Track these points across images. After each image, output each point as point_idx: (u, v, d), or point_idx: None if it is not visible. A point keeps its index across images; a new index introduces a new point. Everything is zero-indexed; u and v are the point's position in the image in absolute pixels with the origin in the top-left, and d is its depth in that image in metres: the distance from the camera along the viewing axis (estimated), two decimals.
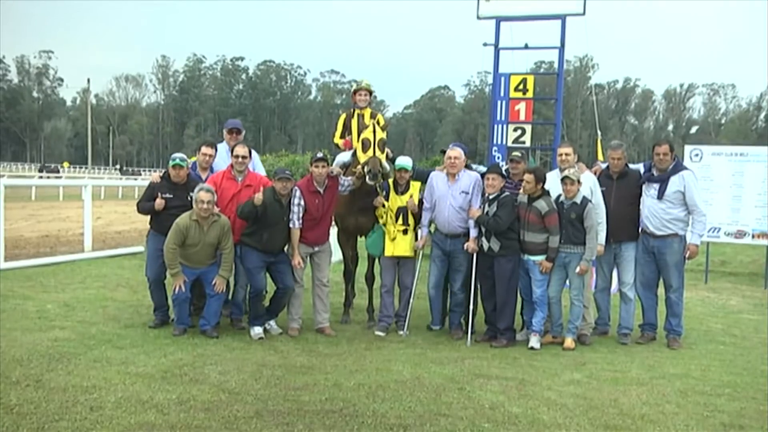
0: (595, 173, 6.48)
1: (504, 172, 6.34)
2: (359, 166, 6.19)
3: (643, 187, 6.41)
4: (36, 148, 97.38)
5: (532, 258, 6.03)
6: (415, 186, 6.43)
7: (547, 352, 5.91)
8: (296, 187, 6.09)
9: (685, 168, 6.37)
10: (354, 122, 6.79)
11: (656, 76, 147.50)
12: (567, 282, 6.19)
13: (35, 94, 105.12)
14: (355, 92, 7.00)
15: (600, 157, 10.36)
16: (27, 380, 4.43)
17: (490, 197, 6.07)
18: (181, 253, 5.88)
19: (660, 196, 6.24)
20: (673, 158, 6.30)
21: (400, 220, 6.35)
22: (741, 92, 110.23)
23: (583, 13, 9.56)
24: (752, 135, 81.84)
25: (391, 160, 6.47)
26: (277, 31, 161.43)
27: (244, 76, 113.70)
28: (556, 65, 10.21)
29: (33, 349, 5.14)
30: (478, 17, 10.03)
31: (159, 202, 6.10)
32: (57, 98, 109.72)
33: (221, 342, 5.75)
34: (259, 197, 5.83)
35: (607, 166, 6.52)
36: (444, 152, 7.03)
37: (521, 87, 9.90)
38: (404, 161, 6.38)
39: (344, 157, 6.63)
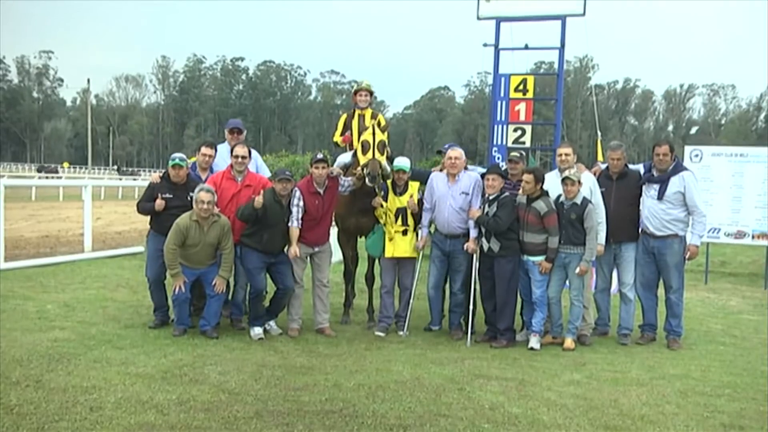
0: (594, 174, 6.48)
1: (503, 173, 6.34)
2: (359, 168, 6.19)
3: (643, 187, 6.41)
4: (36, 149, 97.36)
5: (532, 258, 6.03)
6: (413, 186, 6.43)
7: (547, 353, 5.92)
8: (296, 188, 6.09)
9: (685, 169, 6.37)
10: (355, 123, 6.79)
11: (656, 77, 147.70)
12: (567, 282, 6.19)
13: (35, 95, 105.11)
14: (355, 93, 7.00)
15: (600, 157, 10.37)
16: (27, 380, 4.43)
17: (490, 198, 6.07)
18: (181, 254, 5.88)
19: (660, 196, 6.24)
20: (673, 159, 6.30)
21: (400, 221, 6.35)
22: (741, 93, 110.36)
23: (583, 14, 9.55)
24: (752, 135, 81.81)
25: (390, 161, 6.47)
26: (277, 31, 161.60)
27: (244, 77, 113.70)
28: (556, 66, 10.20)
29: (33, 350, 5.15)
30: (478, 18, 10.03)
31: (159, 203, 6.10)
32: (57, 98, 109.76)
33: (221, 342, 5.75)
34: (259, 200, 5.83)
35: (607, 167, 6.52)
36: (440, 152, 7.04)
37: (521, 87, 9.89)
38: (402, 162, 6.38)
39: (345, 158, 6.64)
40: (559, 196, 6.09)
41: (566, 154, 6.29)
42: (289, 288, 6.14)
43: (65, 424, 3.76)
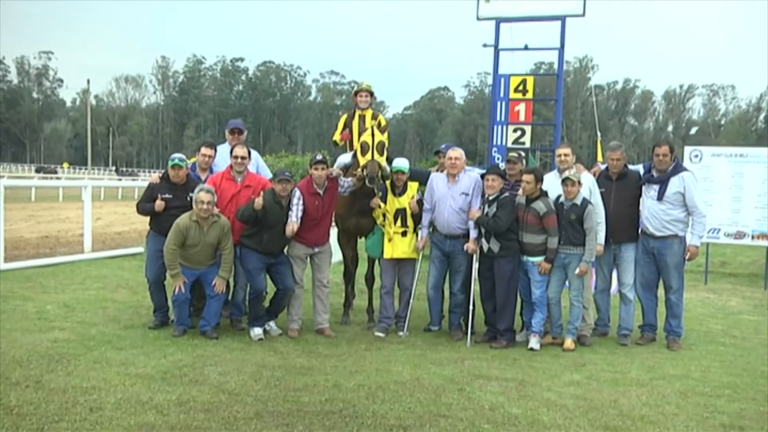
0: (594, 174, 6.48)
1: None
2: (359, 169, 6.20)
3: (643, 188, 6.42)
4: (36, 149, 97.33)
5: (531, 259, 6.03)
6: (412, 187, 6.43)
7: (547, 353, 5.91)
8: (296, 188, 6.09)
9: (685, 169, 6.37)
10: (355, 123, 6.80)
11: (656, 77, 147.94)
12: (566, 283, 6.19)
13: (35, 95, 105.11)
14: (356, 93, 7.00)
15: (600, 158, 10.37)
16: (27, 381, 4.43)
17: (490, 198, 6.07)
18: (181, 254, 5.88)
19: (660, 197, 6.24)
20: (673, 159, 6.30)
21: (399, 222, 6.35)
22: (741, 93, 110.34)
23: (583, 14, 9.56)
24: (752, 136, 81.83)
25: (389, 161, 6.47)
26: (277, 31, 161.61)
27: (243, 77, 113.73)
28: (555, 66, 10.21)
29: (33, 350, 5.14)
30: (478, 18, 10.04)
31: (159, 204, 6.10)
32: (57, 99, 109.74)
33: (221, 343, 5.75)
34: (259, 202, 5.82)
35: (607, 167, 6.53)
36: (438, 153, 7.04)
37: (521, 88, 9.90)
38: (401, 163, 6.37)
39: (345, 158, 6.64)
40: (558, 197, 6.09)
41: (565, 155, 6.29)
42: (289, 288, 6.14)
43: (65, 425, 3.76)
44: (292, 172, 6.97)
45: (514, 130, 9.92)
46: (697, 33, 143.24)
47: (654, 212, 6.29)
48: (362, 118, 6.80)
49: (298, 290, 6.26)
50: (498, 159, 9.70)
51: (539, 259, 5.99)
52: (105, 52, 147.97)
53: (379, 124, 6.51)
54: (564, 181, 5.99)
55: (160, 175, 6.40)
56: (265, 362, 5.21)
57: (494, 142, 10.04)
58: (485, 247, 6.09)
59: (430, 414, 4.21)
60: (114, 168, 76.77)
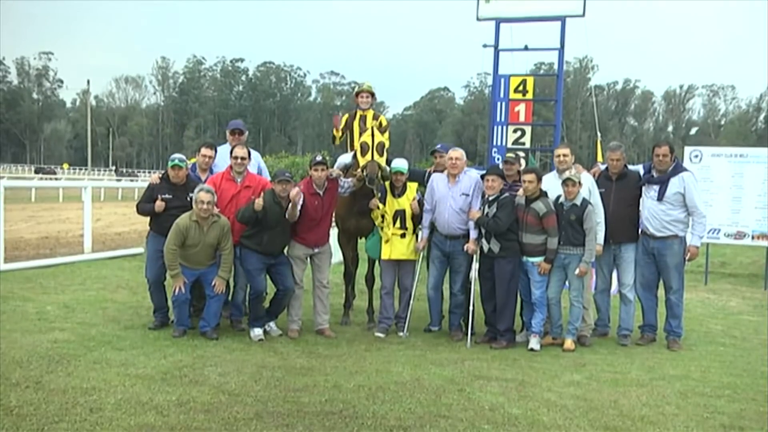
0: (593, 175, 6.48)
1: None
2: (359, 169, 6.20)
3: (643, 188, 6.42)
4: (36, 150, 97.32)
5: (531, 259, 6.03)
6: (411, 188, 6.43)
7: (547, 354, 5.91)
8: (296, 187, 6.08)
9: (685, 169, 6.37)
10: (356, 124, 6.80)
11: (656, 77, 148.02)
12: (566, 283, 6.19)
13: (35, 96, 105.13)
14: (357, 94, 7.01)
15: (600, 158, 10.36)
16: (27, 382, 4.43)
17: (490, 198, 6.07)
18: (181, 254, 5.88)
19: (660, 197, 6.24)
20: (673, 159, 6.30)
21: (398, 223, 6.35)
22: (740, 93, 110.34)
23: (583, 15, 9.54)
24: (752, 136, 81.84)
25: (388, 162, 6.47)
26: (277, 31, 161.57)
27: (243, 78, 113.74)
28: (555, 66, 10.20)
29: (33, 351, 5.14)
30: (478, 18, 10.02)
31: (159, 204, 6.10)
32: (57, 100, 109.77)
33: (221, 343, 5.75)
34: (259, 203, 5.82)
35: (607, 168, 6.53)
36: (434, 153, 7.04)
37: (521, 88, 9.88)
38: (400, 164, 6.37)
39: (345, 158, 6.64)
40: (558, 197, 6.09)
41: (564, 155, 6.29)
42: (289, 289, 6.14)
43: (65, 426, 3.76)
44: (292, 172, 6.96)
45: (514, 131, 9.90)
46: (697, 33, 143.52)
47: (654, 212, 6.29)
48: (363, 118, 6.81)
49: (298, 291, 6.26)
50: (498, 159, 9.70)
51: (539, 259, 5.99)
52: (105, 52, 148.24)
53: (380, 124, 6.51)
54: (565, 181, 5.99)
55: (160, 175, 6.41)
56: (265, 363, 5.21)
57: (494, 143, 10.03)
58: (485, 247, 6.09)
59: (430, 414, 4.21)
60: (114, 168, 76.76)
